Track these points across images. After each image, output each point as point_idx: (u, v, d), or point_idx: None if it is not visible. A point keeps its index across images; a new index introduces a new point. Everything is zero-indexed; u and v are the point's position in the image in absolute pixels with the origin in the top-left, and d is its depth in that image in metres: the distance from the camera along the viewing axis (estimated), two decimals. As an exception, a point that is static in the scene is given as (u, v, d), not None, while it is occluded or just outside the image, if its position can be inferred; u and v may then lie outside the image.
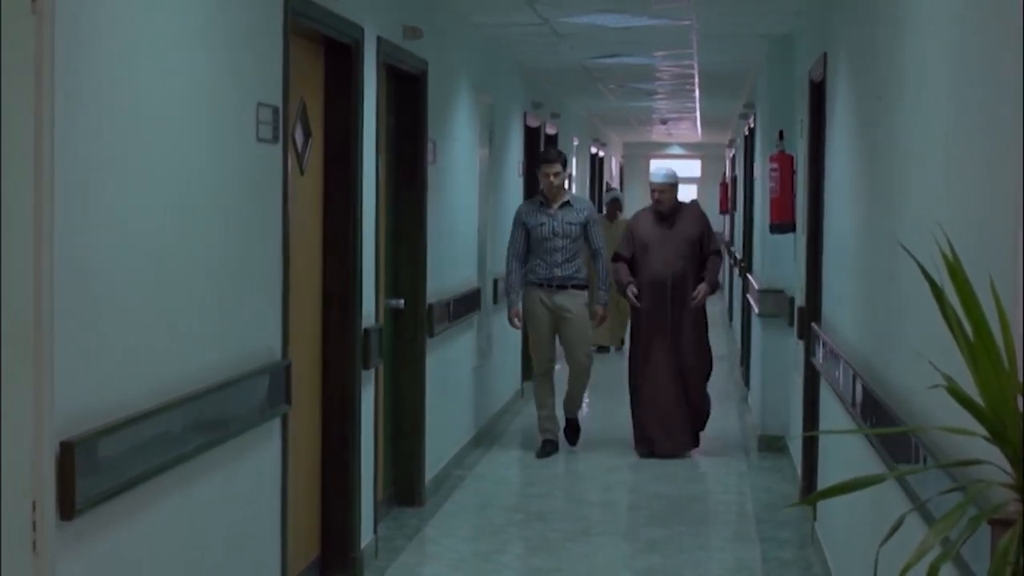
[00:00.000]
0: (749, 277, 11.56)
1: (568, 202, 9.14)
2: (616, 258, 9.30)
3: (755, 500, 7.89)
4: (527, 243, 9.11)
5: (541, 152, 9.69)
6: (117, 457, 3.39)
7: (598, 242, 9.21)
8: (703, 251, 9.17)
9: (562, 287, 9.08)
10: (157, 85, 3.70)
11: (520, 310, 9.17)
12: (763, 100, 10.67)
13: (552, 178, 9.05)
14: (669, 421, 9.10)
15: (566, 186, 9.45)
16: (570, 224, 9.05)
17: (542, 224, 9.04)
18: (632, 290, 9.13)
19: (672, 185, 9.27)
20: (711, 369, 9.36)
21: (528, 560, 6.53)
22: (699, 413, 9.26)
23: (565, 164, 9.18)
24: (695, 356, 9.16)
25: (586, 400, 10.82)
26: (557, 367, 9.53)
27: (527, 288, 9.15)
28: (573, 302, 9.12)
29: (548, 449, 9.14)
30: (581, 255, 9.16)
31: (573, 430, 9.51)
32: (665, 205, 9.24)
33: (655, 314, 9.14)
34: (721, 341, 15.04)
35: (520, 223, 9.16)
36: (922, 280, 2.43)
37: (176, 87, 3.85)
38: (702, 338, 9.23)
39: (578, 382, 9.34)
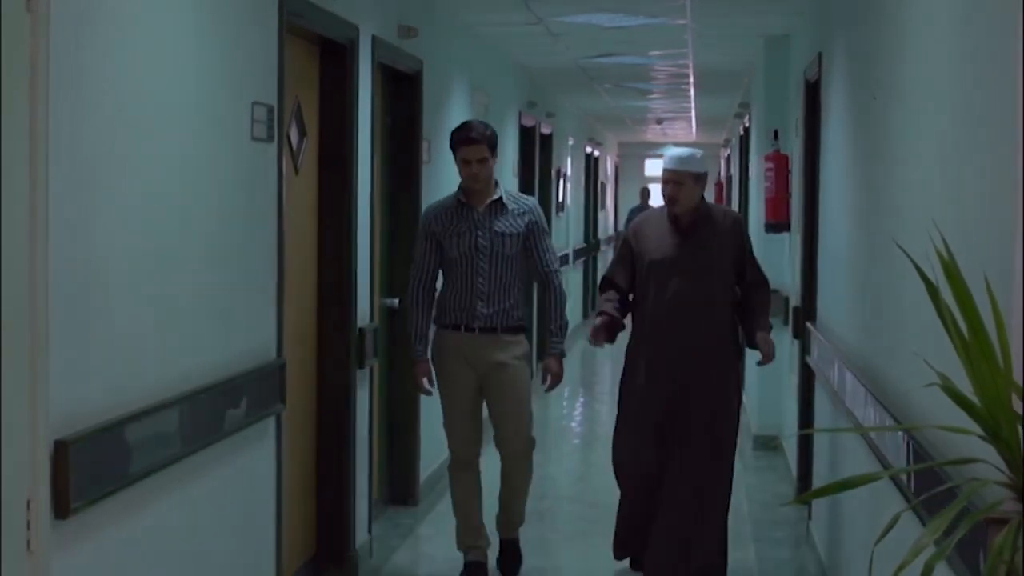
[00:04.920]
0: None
1: (500, 201, 5.92)
2: (605, 284, 6.09)
3: (750, 499, 7.89)
4: (439, 265, 5.97)
5: (455, 129, 6.04)
6: (112, 456, 3.39)
7: (548, 259, 5.99)
8: (740, 278, 5.89)
9: (489, 330, 5.86)
10: (152, 84, 3.70)
11: (429, 367, 6.05)
12: (758, 100, 10.67)
13: (474, 166, 5.84)
14: (661, 535, 5.86)
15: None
16: (503, 235, 5.86)
17: (460, 235, 5.87)
18: (597, 320, 5.94)
19: (696, 175, 5.81)
20: (730, 481, 6.03)
21: (526, 560, 6.51)
22: (700, 548, 5.85)
23: (494, 147, 5.92)
24: (711, 452, 5.89)
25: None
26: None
27: (438, 333, 5.99)
28: (507, 354, 5.89)
29: (475, 574, 6.05)
30: (520, 282, 6.00)
31: (511, 557, 6.24)
32: (681, 205, 5.79)
33: (661, 373, 5.83)
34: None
35: (428, 235, 5.94)
36: (918, 279, 2.43)
37: (171, 85, 3.85)
38: (727, 427, 5.95)
39: (514, 482, 6.11)
